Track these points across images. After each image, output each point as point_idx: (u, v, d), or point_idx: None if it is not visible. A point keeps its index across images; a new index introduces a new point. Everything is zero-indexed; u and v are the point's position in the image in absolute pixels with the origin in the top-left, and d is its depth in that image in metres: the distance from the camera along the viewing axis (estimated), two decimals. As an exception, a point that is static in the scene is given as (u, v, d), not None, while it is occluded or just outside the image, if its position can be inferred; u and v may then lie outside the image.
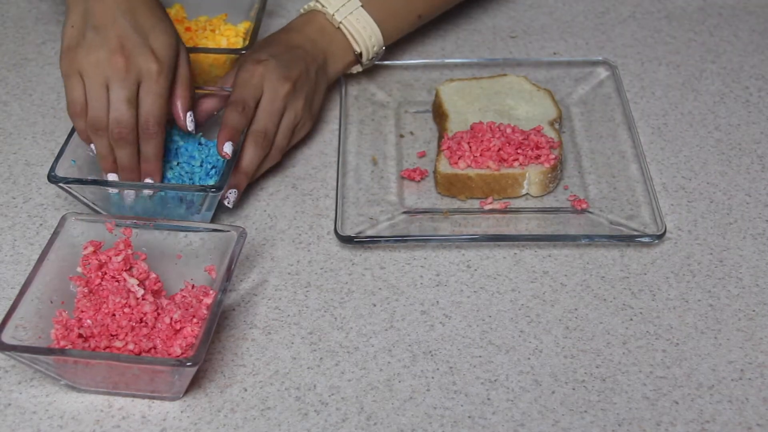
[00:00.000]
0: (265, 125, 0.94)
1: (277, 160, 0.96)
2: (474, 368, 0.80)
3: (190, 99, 0.91)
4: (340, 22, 1.01)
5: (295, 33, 1.01)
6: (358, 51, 1.02)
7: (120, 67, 0.86)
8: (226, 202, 0.91)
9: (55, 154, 0.90)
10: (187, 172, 0.92)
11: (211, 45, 1.06)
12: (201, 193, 0.88)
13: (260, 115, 0.94)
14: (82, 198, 0.89)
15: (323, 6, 1.01)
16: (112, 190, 0.89)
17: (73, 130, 0.90)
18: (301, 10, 1.04)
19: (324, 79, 1.01)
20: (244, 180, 0.93)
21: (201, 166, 0.93)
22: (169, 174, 0.92)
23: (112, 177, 0.90)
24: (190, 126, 0.91)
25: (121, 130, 0.87)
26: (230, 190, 0.91)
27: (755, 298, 0.85)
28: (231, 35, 1.06)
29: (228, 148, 0.90)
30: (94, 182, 0.88)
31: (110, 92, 0.87)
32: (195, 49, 1.04)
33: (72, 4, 0.89)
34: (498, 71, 1.07)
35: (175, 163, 0.92)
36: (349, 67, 1.05)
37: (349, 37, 1.02)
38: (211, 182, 0.91)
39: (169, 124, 0.91)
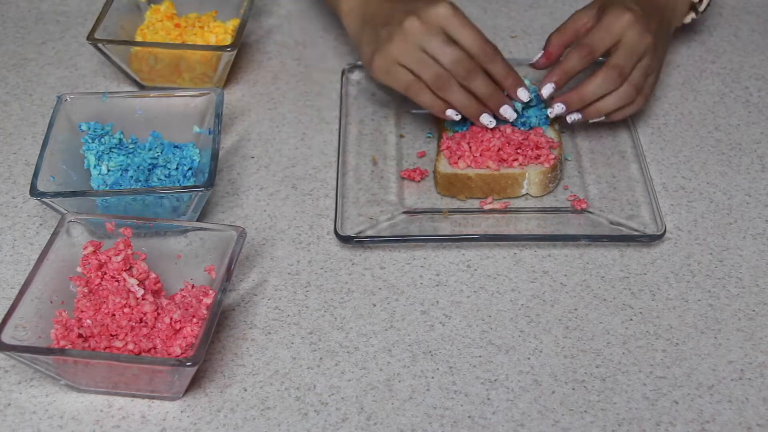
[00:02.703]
0: (623, 63, 0.94)
1: (640, 106, 0.97)
2: (474, 368, 0.80)
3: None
4: None
5: None
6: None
7: (418, 26, 0.92)
8: (549, 112, 0.95)
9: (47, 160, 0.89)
10: (166, 176, 0.92)
11: (199, 41, 1.06)
12: (188, 195, 0.87)
13: (619, 53, 0.94)
14: (63, 211, 0.88)
15: None
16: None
17: (45, 144, 0.89)
18: None
19: (668, 33, 1.02)
20: (578, 102, 0.94)
21: (177, 168, 0.92)
22: (151, 181, 0.91)
23: (485, 119, 0.94)
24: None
25: (463, 65, 0.91)
26: (557, 103, 0.94)
27: (755, 298, 0.85)
28: (220, 32, 1.07)
29: (547, 89, 0.94)
30: (74, 194, 0.87)
31: (428, 51, 0.91)
32: (182, 46, 1.04)
33: (357, 35, 0.99)
34: (498, 71, 1.07)
35: (150, 168, 0.92)
36: (683, 18, 1.06)
37: None
38: (190, 183, 0.91)
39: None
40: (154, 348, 0.77)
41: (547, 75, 0.95)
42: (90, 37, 1.03)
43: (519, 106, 0.96)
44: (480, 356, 0.81)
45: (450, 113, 0.94)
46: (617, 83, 0.94)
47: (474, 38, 0.92)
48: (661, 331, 0.82)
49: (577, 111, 0.95)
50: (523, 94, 0.94)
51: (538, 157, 0.94)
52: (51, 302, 0.79)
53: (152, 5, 1.10)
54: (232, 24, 1.08)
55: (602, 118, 0.96)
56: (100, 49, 1.04)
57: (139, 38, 1.07)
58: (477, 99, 0.93)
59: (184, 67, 1.04)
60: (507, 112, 0.94)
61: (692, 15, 1.07)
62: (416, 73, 0.93)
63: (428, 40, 0.91)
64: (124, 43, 1.05)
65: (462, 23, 0.92)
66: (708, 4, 1.06)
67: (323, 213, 0.94)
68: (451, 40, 0.92)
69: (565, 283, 0.87)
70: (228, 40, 1.06)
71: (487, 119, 0.94)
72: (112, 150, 0.93)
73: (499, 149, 0.93)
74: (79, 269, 0.81)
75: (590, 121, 0.96)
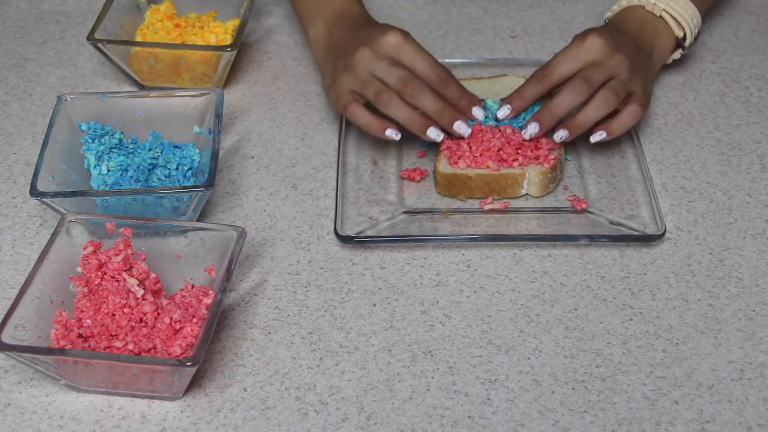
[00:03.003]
0: (590, 73, 0.92)
1: (637, 116, 0.94)
2: (474, 368, 0.80)
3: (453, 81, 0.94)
4: (663, 9, 1.02)
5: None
6: (681, 35, 1.03)
7: (369, 56, 0.93)
8: (523, 133, 0.93)
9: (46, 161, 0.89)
10: (166, 176, 0.92)
11: (199, 41, 1.06)
12: (188, 195, 0.87)
13: (588, 67, 0.93)
14: (63, 211, 0.88)
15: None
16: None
17: (45, 144, 0.89)
18: (615, 8, 1.05)
19: (653, 70, 1.01)
20: (549, 119, 0.92)
21: (177, 168, 0.92)
22: (151, 181, 0.91)
23: (432, 133, 0.93)
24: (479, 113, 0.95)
25: (409, 83, 0.91)
26: (532, 123, 0.92)
27: (755, 298, 0.85)
28: (220, 32, 1.07)
29: (503, 112, 0.95)
30: (74, 194, 0.87)
31: (375, 74, 0.93)
32: (182, 46, 1.04)
33: (321, 64, 1.01)
34: (498, 71, 1.07)
35: (150, 168, 0.92)
36: (669, 55, 1.06)
37: (672, 23, 1.02)
38: (190, 183, 0.91)
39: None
40: (154, 348, 0.77)
41: (504, 98, 0.96)
42: (90, 37, 1.03)
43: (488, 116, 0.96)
44: (480, 356, 0.81)
45: (389, 133, 0.93)
46: (585, 92, 0.92)
47: (426, 64, 0.93)
48: (661, 331, 0.82)
49: (564, 128, 0.93)
50: (478, 113, 0.94)
51: (538, 157, 0.94)
52: (51, 302, 0.79)
53: (152, 5, 1.10)
54: (232, 24, 1.08)
55: (604, 135, 0.93)
56: (100, 49, 1.04)
57: (139, 38, 1.07)
58: (424, 115, 0.93)
59: (184, 67, 1.04)
60: (461, 128, 0.93)
61: (680, 51, 1.06)
62: (360, 93, 0.94)
63: (376, 65, 0.92)
64: (124, 43, 1.05)
65: (413, 51, 0.93)
66: (694, 39, 1.05)
67: (323, 213, 0.94)
68: (398, 63, 0.92)
69: (565, 283, 0.87)
70: (228, 40, 1.06)
71: (434, 132, 0.93)
72: (112, 150, 0.93)
73: (499, 149, 0.93)
74: (79, 269, 0.81)
75: (592, 140, 0.94)
